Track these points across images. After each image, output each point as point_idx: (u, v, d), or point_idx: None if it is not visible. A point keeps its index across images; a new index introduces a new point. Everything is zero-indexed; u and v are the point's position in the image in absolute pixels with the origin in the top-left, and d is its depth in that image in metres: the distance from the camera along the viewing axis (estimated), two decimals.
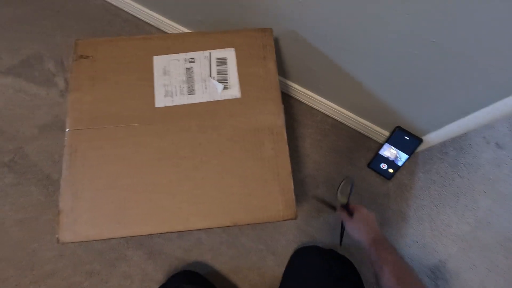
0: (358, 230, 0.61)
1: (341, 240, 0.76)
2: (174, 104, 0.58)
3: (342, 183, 0.73)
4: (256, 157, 0.55)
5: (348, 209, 0.67)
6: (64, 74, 0.93)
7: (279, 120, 0.57)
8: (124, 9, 1.01)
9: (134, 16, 1.00)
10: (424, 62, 0.55)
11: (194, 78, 0.60)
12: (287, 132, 0.57)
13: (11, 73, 0.92)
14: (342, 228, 0.75)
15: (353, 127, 0.91)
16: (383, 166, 0.86)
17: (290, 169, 0.55)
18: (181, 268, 0.78)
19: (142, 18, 1.00)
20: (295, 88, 0.90)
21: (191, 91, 0.59)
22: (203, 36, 0.63)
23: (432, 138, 0.78)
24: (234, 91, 0.59)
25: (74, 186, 0.53)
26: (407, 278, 0.49)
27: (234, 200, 0.53)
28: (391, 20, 0.50)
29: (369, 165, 0.88)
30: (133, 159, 0.55)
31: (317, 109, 0.92)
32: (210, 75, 0.60)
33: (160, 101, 0.58)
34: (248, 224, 0.55)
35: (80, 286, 0.76)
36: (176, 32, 0.96)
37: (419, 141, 0.81)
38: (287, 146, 0.56)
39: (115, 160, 0.55)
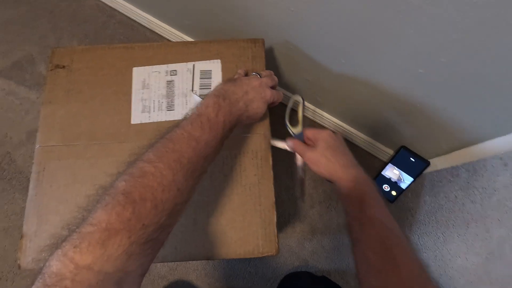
0: (326, 161, 0.44)
1: (302, 190, 0.58)
2: (150, 121, 0.53)
3: (288, 107, 0.54)
4: (236, 183, 0.50)
5: (302, 138, 0.50)
6: None
7: (265, 142, 0.51)
8: (119, 10, 0.97)
9: (129, 18, 0.96)
10: (434, 81, 0.48)
11: (175, 92, 0.55)
12: (278, 149, 0.51)
13: (1, 75, 0.90)
14: (300, 169, 0.53)
15: (354, 143, 0.84)
16: (386, 187, 0.79)
17: (273, 199, 0.49)
18: (167, 286, 0.74)
19: (137, 20, 0.96)
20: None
21: (170, 107, 0.54)
22: (187, 46, 0.58)
23: (441, 162, 0.70)
24: None
25: (40, 209, 0.50)
26: (398, 254, 0.34)
27: (208, 231, 0.48)
28: (397, 31, 0.44)
29: None
30: (103, 180, 0.51)
31: (314, 122, 0.86)
32: (192, 89, 0.55)
33: (136, 117, 0.54)
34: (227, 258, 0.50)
35: None
36: (170, 34, 0.91)
37: (426, 163, 0.73)
38: (271, 172, 0.50)
39: (84, 180, 0.51)
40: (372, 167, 0.83)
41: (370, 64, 0.54)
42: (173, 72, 0.56)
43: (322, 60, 0.61)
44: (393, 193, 0.78)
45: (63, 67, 0.57)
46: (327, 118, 0.82)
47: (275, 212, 0.49)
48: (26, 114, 0.87)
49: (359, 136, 0.81)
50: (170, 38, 0.93)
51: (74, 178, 0.51)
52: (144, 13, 0.92)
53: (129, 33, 0.95)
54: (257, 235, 0.48)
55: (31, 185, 0.51)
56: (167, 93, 0.55)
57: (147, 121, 0.53)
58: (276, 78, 0.51)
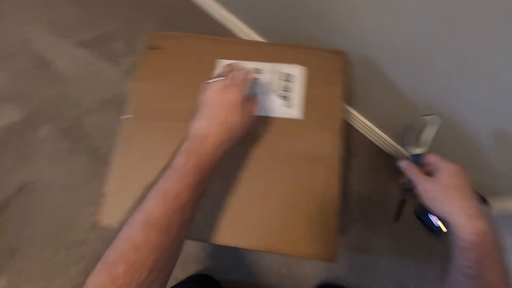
0: (447, 200, 0.38)
1: (399, 213, 0.53)
2: None
3: (413, 125, 0.48)
4: (304, 186, 0.52)
5: (422, 161, 0.44)
6: (132, 55, 0.97)
7: (336, 152, 0.52)
8: (197, 3, 1.02)
9: (206, 13, 1.01)
10: None
11: (256, 89, 0.58)
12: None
13: (85, 46, 0.98)
14: (406, 194, 0.51)
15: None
16: (433, 217, 0.77)
17: (338, 208, 0.51)
18: (201, 270, 0.77)
19: (209, 13, 1.01)
20: (353, 114, 0.84)
21: None
22: (274, 48, 0.61)
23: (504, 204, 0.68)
24: (295, 112, 0.56)
25: (123, 174, 0.54)
26: None
27: (273, 226, 0.50)
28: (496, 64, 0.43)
29: (416, 213, 0.80)
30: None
31: (372, 141, 0.86)
32: (274, 90, 0.58)
33: None
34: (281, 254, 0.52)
35: None
36: (241, 32, 0.95)
37: (485, 203, 0.71)
38: (339, 181, 0.52)
39: (163, 157, 0.54)
40: None
41: (449, 97, 0.54)
42: (257, 71, 0.59)
43: (401, 85, 0.62)
44: (443, 228, 0.76)
45: (157, 49, 0.62)
46: (385, 139, 0.82)
47: (337, 221, 0.50)
48: (100, 85, 0.94)
49: None
50: (240, 36, 0.97)
51: (155, 153, 0.54)
52: (219, 6, 0.96)
53: (199, 24, 1.00)
54: (316, 239, 0.50)
55: (117, 151, 0.56)
56: (249, 89, 0.58)
57: None
58: (245, 72, 0.46)
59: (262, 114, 0.56)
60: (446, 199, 0.39)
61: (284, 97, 0.57)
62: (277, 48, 0.61)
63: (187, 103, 0.57)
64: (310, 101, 0.57)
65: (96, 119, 0.90)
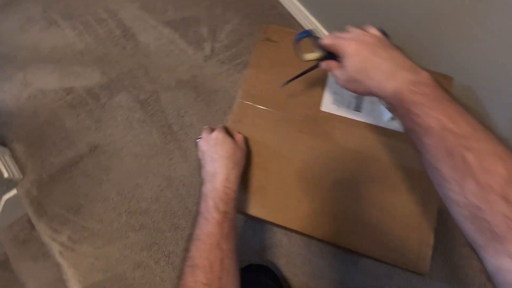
0: (356, 82, 0.39)
1: (290, 80, 0.54)
2: (338, 114, 0.59)
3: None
4: (404, 197, 0.54)
5: (328, 51, 0.43)
6: (213, 43, 1.00)
7: None
8: (282, 3, 1.05)
9: (289, 13, 1.05)
10: None
11: (364, 97, 0.60)
12: None
13: (170, 25, 1.02)
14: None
15: None
16: None
17: (435, 224, 0.52)
18: (256, 261, 0.78)
19: (296, 18, 1.04)
20: None
21: (357, 108, 0.59)
22: None
23: None
24: (400, 124, 0.58)
25: None
26: (472, 160, 0.28)
27: (370, 229, 0.52)
28: None
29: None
30: (286, 149, 0.56)
31: None
32: (380, 100, 0.60)
33: (327, 106, 0.59)
34: (372, 258, 0.53)
35: (163, 234, 0.80)
36: None
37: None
38: (438, 199, 0.53)
39: (270, 144, 0.57)
40: None
41: None
42: None
43: (501, 123, 0.63)
44: None
45: (273, 42, 0.65)
46: None
47: (433, 236, 0.52)
48: (180, 65, 0.97)
49: None
50: None
51: (262, 138, 0.57)
52: (308, 13, 0.99)
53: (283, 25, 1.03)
54: (412, 250, 0.51)
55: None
56: (357, 95, 0.60)
57: (335, 113, 0.59)
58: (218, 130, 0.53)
59: (371, 122, 0.58)
60: (354, 82, 0.39)
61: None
62: None
63: (295, 96, 0.60)
64: None
65: (172, 96, 0.93)
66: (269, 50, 0.64)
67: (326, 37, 0.42)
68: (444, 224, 0.84)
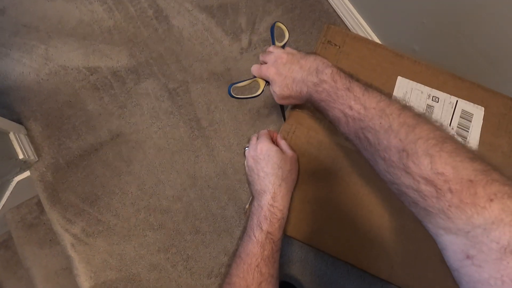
0: (279, 95, 0.44)
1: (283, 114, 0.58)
2: None
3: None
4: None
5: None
6: (251, 35, 0.93)
7: None
8: (330, 0, 0.98)
9: (335, 11, 0.97)
10: None
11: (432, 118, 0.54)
12: None
13: (207, 11, 0.94)
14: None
15: None
16: None
17: None
18: (280, 276, 0.74)
19: (342, 17, 0.96)
20: None
21: None
22: (454, 79, 0.57)
23: None
24: None
25: None
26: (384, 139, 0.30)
27: (411, 261, 0.47)
28: None
29: None
30: (337, 169, 0.51)
31: None
32: (450, 125, 0.54)
33: None
34: None
35: (183, 236, 0.75)
36: None
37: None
38: None
39: (320, 161, 0.51)
40: None
41: None
42: (435, 99, 0.55)
43: None
44: None
45: (335, 45, 0.58)
46: None
47: None
48: (214, 55, 0.90)
49: None
50: None
51: (313, 154, 0.51)
52: (356, 12, 0.92)
53: (325, 21, 0.96)
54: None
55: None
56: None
57: None
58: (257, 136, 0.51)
59: None
60: (289, 98, 0.45)
61: (460, 136, 0.53)
62: (457, 81, 0.57)
63: None
64: (485, 148, 0.53)
65: (203, 89, 0.86)
66: (330, 54, 0.57)
67: (252, 69, 0.49)
68: None
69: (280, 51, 0.47)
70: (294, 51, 0.46)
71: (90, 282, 0.71)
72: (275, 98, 0.47)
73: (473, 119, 0.55)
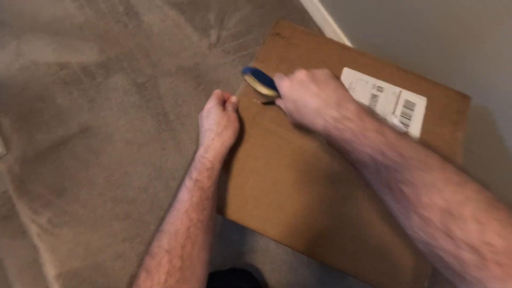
0: (295, 119, 0.40)
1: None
2: None
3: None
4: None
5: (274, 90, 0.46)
6: (220, 30, 0.94)
7: None
8: None
9: (304, 7, 0.99)
10: None
11: (377, 108, 0.56)
12: None
13: (177, 7, 0.96)
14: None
15: None
16: None
17: None
18: (240, 265, 0.76)
19: (310, 13, 0.98)
20: None
21: None
22: (399, 71, 0.59)
23: None
24: None
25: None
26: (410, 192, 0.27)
27: (365, 251, 0.49)
28: None
29: None
30: (286, 156, 0.52)
31: None
32: (393, 113, 0.56)
33: None
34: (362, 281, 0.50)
35: (148, 226, 0.77)
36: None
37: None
38: None
39: (270, 147, 0.53)
40: None
41: None
42: (380, 89, 0.57)
43: None
44: None
45: (283, 37, 0.60)
46: None
47: (430, 267, 0.49)
48: (183, 50, 0.92)
49: None
50: None
51: (262, 139, 0.52)
52: (323, 9, 0.94)
53: (298, 21, 0.98)
54: (405, 278, 0.48)
55: None
56: (369, 104, 0.56)
57: None
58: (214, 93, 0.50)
59: None
60: (292, 117, 0.41)
61: (403, 124, 0.55)
62: (402, 73, 0.58)
63: None
64: (427, 136, 0.54)
65: (171, 83, 0.88)
66: (278, 46, 0.59)
67: (274, 76, 0.45)
68: None
69: (304, 70, 0.41)
70: (317, 71, 0.40)
71: (55, 271, 0.73)
72: (289, 120, 0.44)
73: (415, 108, 0.56)
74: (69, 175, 0.79)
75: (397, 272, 0.48)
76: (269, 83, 0.48)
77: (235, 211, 0.51)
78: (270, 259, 0.76)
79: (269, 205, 0.50)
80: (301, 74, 0.39)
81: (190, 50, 0.92)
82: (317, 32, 0.60)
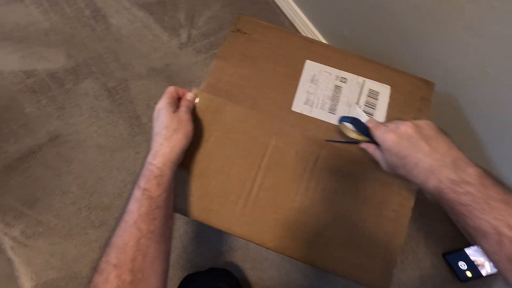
0: (399, 173, 0.38)
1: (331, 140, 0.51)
2: (311, 115, 0.54)
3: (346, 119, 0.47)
4: (373, 210, 0.50)
5: (369, 135, 0.43)
6: (190, 29, 0.93)
7: (414, 184, 0.51)
8: None
9: (275, 3, 0.98)
10: None
11: (340, 98, 0.56)
12: None
13: (145, 8, 0.94)
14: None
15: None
16: (462, 265, 0.77)
17: (402, 241, 0.49)
18: (220, 264, 0.75)
19: (282, 9, 0.98)
20: None
21: (332, 110, 0.55)
22: (362, 61, 0.59)
23: None
24: None
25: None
26: None
27: (333, 244, 0.49)
28: None
29: (445, 255, 0.79)
30: (249, 152, 0.52)
31: None
32: (357, 103, 0.56)
33: (298, 106, 0.55)
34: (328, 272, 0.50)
35: None
36: (311, 35, 0.92)
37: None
38: (410, 214, 0.50)
39: (232, 144, 0.52)
40: (453, 238, 0.81)
41: None
42: (343, 80, 0.57)
43: (481, 133, 0.60)
44: (468, 274, 0.76)
45: (245, 33, 0.59)
46: None
47: (398, 255, 0.49)
48: (153, 51, 0.90)
49: None
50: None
51: (224, 136, 0.52)
52: (295, 5, 0.93)
53: (269, 16, 0.97)
54: (376, 268, 0.48)
55: None
56: (333, 96, 0.56)
57: (307, 113, 0.54)
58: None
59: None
60: (399, 174, 0.39)
61: (367, 113, 0.55)
62: (366, 63, 0.58)
63: (265, 92, 0.55)
64: None
65: (143, 86, 0.87)
66: (240, 42, 0.58)
67: (369, 122, 0.43)
68: (418, 232, 0.82)
69: (405, 122, 0.39)
70: (423, 124, 0.38)
71: (31, 283, 0.71)
72: (381, 163, 0.41)
73: (379, 97, 0.56)
74: (41, 185, 0.77)
75: (366, 262, 0.48)
76: (363, 130, 0.44)
77: (200, 211, 0.50)
78: (250, 256, 0.76)
79: (235, 203, 0.50)
80: (408, 129, 0.37)
81: (160, 51, 0.90)
82: (280, 26, 0.59)
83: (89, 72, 0.87)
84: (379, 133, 0.40)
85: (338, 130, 0.51)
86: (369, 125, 0.42)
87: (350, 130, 0.47)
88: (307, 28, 0.91)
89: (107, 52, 0.89)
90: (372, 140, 0.42)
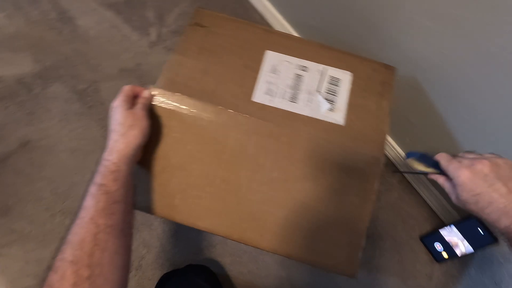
0: (480, 200, 0.36)
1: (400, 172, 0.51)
2: (271, 105, 0.54)
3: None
4: (336, 196, 0.50)
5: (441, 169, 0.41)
6: (160, 27, 0.92)
7: (377, 168, 0.51)
8: None
9: None
10: None
11: (301, 87, 0.56)
12: None
13: (113, 8, 0.93)
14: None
15: (423, 196, 0.83)
16: (438, 246, 0.78)
17: (367, 225, 0.49)
18: (199, 261, 0.75)
19: (251, 2, 0.97)
20: None
21: (293, 99, 0.55)
22: (323, 49, 0.59)
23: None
24: (338, 117, 0.54)
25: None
26: None
27: (297, 232, 0.49)
28: None
29: (422, 238, 0.80)
30: (209, 146, 0.52)
31: (393, 162, 0.86)
32: (318, 91, 0.56)
33: (259, 96, 0.55)
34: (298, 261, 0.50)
35: None
36: (281, 28, 0.92)
37: (494, 240, 0.72)
38: (374, 198, 0.50)
39: (191, 139, 0.52)
40: (428, 220, 0.82)
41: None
42: (304, 68, 0.57)
43: (444, 111, 0.61)
44: (444, 254, 0.77)
45: (203, 27, 0.59)
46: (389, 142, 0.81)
47: (364, 238, 0.49)
48: (123, 52, 0.89)
49: (433, 192, 0.80)
50: (276, 29, 0.94)
51: (183, 132, 0.51)
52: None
53: (239, 10, 0.96)
54: (342, 253, 0.48)
55: None
56: (294, 85, 0.56)
57: (268, 103, 0.54)
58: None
59: (307, 114, 0.54)
60: (470, 209, 0.37)
61: (328, 100, 0.55)
62: (326, 51, 0.59)
63: (224, 85, 0.55)
64: (354, 109, 0.55)
65: (114, 87, 0.86)
66: (198, 36, 0.58)
67: (439, 157, 0.41)
68: (395, 218, 0.83)
69: (485, 156, 0.38)
70: (502, 164, 0.37)
71: None
72: (451, 196, 0.40)
73: (340, 83, 0.57)
74: (13, 192, 0.76)
75: (331, 249, 0.48)
76: (432, 164, 0.44)
77: (163, 208, 0.50)
78: (229, 251, 0.76)
79: (198, 197, 0.50)
80: (484, 167, 0.36)
81: (130, 50, 0.89)
82: (239, 18, 0.59)
83: (58, 76, 0.85)
84: (451, 169, 0.39)
85: (406, 164, 0.48)
86: (440, 160, 0.41)
87: (417, 163, 0.46)
88: (277, 21, 0.91)
89: (76, 55, 0.87)
90: (442, 172, 0.42)
